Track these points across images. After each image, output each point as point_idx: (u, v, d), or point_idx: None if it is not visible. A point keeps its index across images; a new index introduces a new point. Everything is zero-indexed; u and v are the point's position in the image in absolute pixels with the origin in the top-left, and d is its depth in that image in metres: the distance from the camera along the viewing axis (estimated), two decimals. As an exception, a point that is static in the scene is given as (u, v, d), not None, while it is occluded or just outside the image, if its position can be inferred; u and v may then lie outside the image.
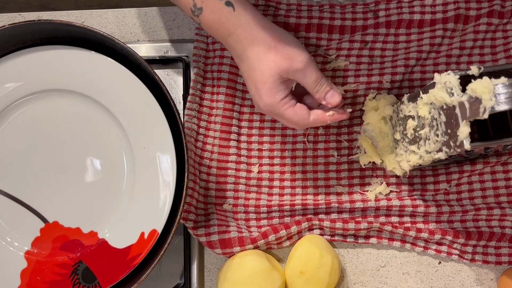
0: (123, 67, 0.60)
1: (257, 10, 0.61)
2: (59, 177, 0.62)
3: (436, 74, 0.56)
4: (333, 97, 0.62)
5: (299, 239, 0.69)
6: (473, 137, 0.53)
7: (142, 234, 0.60)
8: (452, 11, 0.70)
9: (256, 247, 0.67)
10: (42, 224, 0.62)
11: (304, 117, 0.62)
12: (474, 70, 0.54)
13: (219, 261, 0.71)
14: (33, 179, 0.61)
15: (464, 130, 0.52)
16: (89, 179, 0.62)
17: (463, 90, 0.53)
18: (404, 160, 0.65)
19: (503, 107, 0.48)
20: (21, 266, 0.61)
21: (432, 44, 0.70)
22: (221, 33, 0.61)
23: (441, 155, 0.57)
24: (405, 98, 0.64)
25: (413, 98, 0.62)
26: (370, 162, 0.70)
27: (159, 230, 0.60)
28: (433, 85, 0.56)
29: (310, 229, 0.69)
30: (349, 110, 0.65)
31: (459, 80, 0.54)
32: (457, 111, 0.53)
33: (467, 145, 0.52)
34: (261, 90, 0.61)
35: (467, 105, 0.51)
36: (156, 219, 0.60)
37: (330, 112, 0.63)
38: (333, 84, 0.63)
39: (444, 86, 0.54)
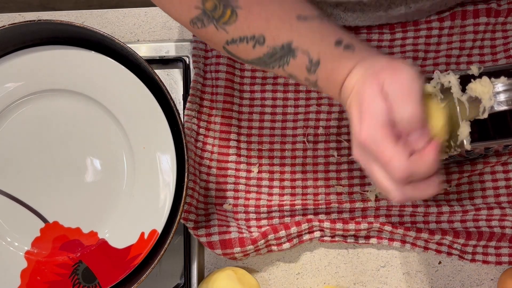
0: (123, 67, 0.60)
1: (373, 47, 0.56)
2: (59, 177, 0.62)
3: (435, 73, 0.56)
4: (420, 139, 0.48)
5: (299, 242, 0.69)
6: (473, 137, 0.53)
7: (142, 234, 0.61)
8: (446, 11, 0.70)
9: (257, 248, 0.67)
10: (42, 224, 0.62)
11: (402, 154, 0.46)
12: (474, 69, 0.54)
13: (219, 261, 0.71)
14: (33, 179, 0.61)
15: (464, 130, 0.52)
16: (89, 179, 0.62)
17: (463, 89, 0.53)
18: None
19: (503, 107, 0.48)
20: (21, 266, 0.61)
21: (428, 43, 0.70)
22: (340, 76, 0.53)
23: (442, 156, 0.57)
24: None
25: None
26: None
27: (159, 230, 0.60)
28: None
29: (310, 231, 0.69)
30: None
31: (459, 80, 0.54)
32: (457, 111, 0.53)
33: (467, 145, 0.52)
34: (364, 112, 0.49)
35: (467, 104, 0.51)
36: (156, 219, 0.60)
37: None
38: None
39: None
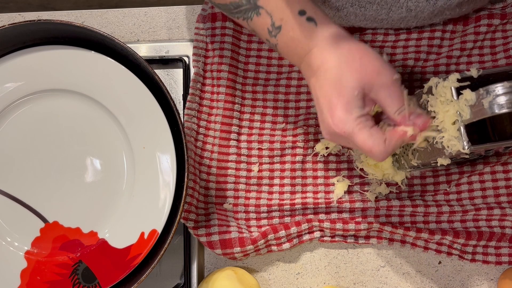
0: (123, 67, 0.60)
1: (338, 26, 0.56)
2: (59, 177, 0.62)
3: (432, 79, 0.56)
4: (420, 117, 0.54)
5: (299, 242, 0.69)
6: (473, 138, 0.53)
7: (142, 234, 0.61)
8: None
9: (257, 248, 0.67)
10: (42, 224, 0.62)
11: (380, 142, 0.53)
12: (473, 72, 0.54)
13: (219, 261, 0.71)
14: (33, 179, 0.61)
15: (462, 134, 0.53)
16: (89, 179, 0.62)
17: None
18: (401, 167, 0.66)
19: (503, 110, 0.48)
20: (21, 266, 0.61)
21: (431, 45, 0.70)
22: (300, 50, 0.56)
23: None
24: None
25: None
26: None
27: (159, 230, 0.60)
28: (430, 90, 0.57)
29: (310, 231, 0.69)
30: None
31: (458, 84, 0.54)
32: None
33: (466, 148, 0.52)
34: (336, 105, 0.53)
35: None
36: (156, 219, 0.60)
37: (406, 128, 0.54)
38: (418, 108, 0.56)
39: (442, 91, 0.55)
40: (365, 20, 0.68)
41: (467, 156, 0.57)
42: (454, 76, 0.54)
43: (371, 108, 0.55)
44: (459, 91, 0.53)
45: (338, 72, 0.53)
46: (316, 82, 0.55)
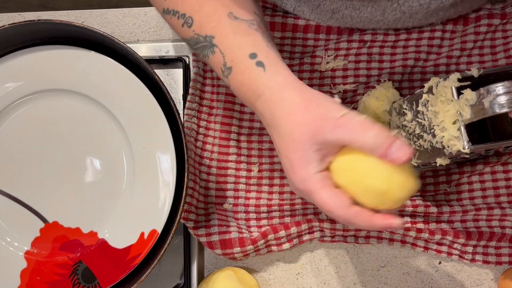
0: (123, 67, 0.60)
1: (290, 71, 0.52)
2: (59, 177, 0.62)
3: (432, 78, 0.56)
4: (401, 150, 0.47)
5: (299, 242, 0.69)
6: (473, 137, 0.53)
7: (142, 234, 0.60)
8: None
9: (257, 248, 0.67)
10: (42, 224, 0.62)
11: (341, 204, 0.48)
12: (474, 71, 0.54)
13: (219, 261, 0.71)
14: (33, 179, 0.61)
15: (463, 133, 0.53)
16: (89, 179, 0.62)
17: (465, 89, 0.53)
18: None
19: (504, 109, 0.48)
20: (21, 266, 0.61)
21: (431, 45, 0.70)
22: (249, 96, 0.53)
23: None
24: (404, 101, 0.64)
25: (411, 101, 0.62)
26: None
27: (159, 230, 0.60)
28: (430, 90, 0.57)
29: (310, 231, 0.69)
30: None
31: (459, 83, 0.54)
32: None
33: (466, 148, 0.52)
34: (293, 161, 0.50)
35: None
36: (156, 219, 0.60)
37: (394, 220, 0.48)
38: (398, 135, 0.49)
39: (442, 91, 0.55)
40: (362, 22, 0.68)
41: (467, 156, 0.57)
42: (455, 76, 0.54)
43: (332, 159, 0.51)
44: (459, 90, 0.53)
45: (286, 127, 0.50)
46: (272, 135, 0.53)
